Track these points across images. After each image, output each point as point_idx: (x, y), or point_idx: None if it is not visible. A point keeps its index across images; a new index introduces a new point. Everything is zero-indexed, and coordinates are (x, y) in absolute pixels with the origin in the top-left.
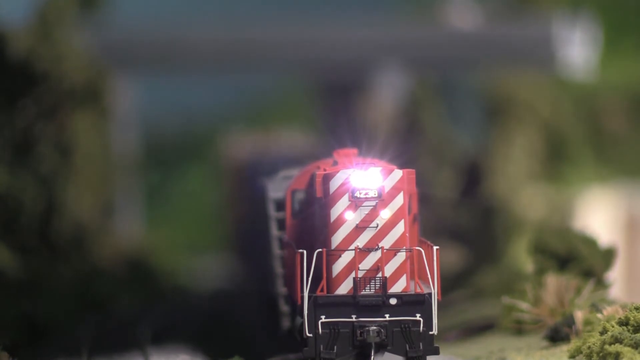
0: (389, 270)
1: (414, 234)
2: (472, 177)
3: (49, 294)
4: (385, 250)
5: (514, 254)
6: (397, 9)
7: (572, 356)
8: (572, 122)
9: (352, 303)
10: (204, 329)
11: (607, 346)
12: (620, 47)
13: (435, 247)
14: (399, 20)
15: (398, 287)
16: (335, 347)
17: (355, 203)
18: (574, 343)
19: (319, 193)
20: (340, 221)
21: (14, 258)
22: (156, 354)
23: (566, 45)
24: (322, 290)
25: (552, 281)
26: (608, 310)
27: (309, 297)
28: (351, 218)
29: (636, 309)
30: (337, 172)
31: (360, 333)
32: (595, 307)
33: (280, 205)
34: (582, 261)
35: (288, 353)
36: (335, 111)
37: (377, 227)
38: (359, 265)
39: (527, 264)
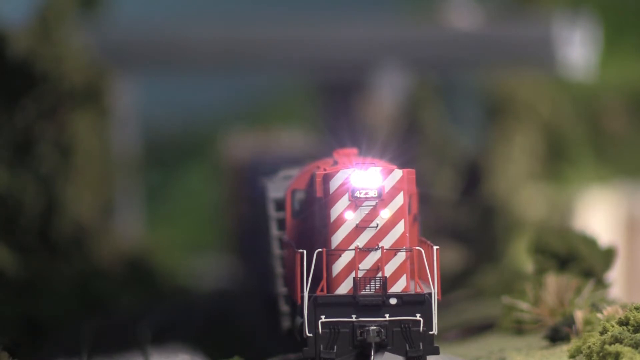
0: (389, 270)
1: (414, 234)
2: (472, 177)
3: (49, 293)
4: (385, 250)
5: (514, 254)
6: (397, 9)
7: (572, 356)
8: (572, 122)
9: (352, 303)
10: (204, 329)
11: (607, 346)
12: (620, 47)
13: (435, 247)
14: (399, 20)
15: (398, 287)
16: (335, 347)
17: (355, 203)
18: (574, 343)
19: (319, 193)
20: (340, 221)
21: (14, 258)
22: (156, 354)
23: (566, 46)
24: (322, 290)
25: (552, 281)
26: (608, 310)
27: (309, 297)
28: (351, 218)
29: (636, 309)
30: (337, 172)
31: (360, 333)
32: (595, 307)
33: (280, 205)
34: (582, 261)
35: (288, 353)
36: (335, 111)
37: (377, 227)
38: (359, 265)
39: (527, 264)
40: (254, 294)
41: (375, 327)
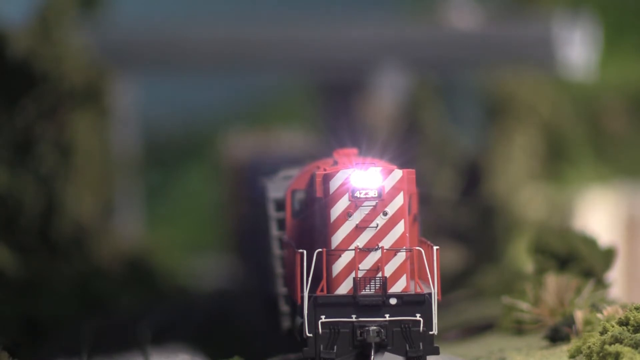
0: (389, 270)
1: (414, 234)
2: (472, 177)
3: (49, 293)
4: (385, 250)
5: (514, 254)
6: (397, 9)
7: (572, 356)
8: (572, 122)
9: (352, 303)
10: (204, 329)
11: (607, 346)
12: (620, 47)
13: (435, 247)
14: (399, 20)
15: (398, 287)
16: (335, 347)
17: (355, 203)
18: (574, 343)
19: (319, 193)
20: (340, 221)
21: (14, 258)
22: (156, 354)
23: (566, 46)
24: (322, 290)
25: (552, 281)
26: (608, 310)
27: (309, 297)
28: (351, 218)
29: (636, 309)
30: (337, 172)
31: (360, 333)
32: (595, 307)
33: (280, 205)
34: (582, 261)
35: (288, 353)
36: (335, 111)
37: (377, 227)
38: (359, 265)
39: (527, 264)
40: (254, 294)
41: (375, 327)
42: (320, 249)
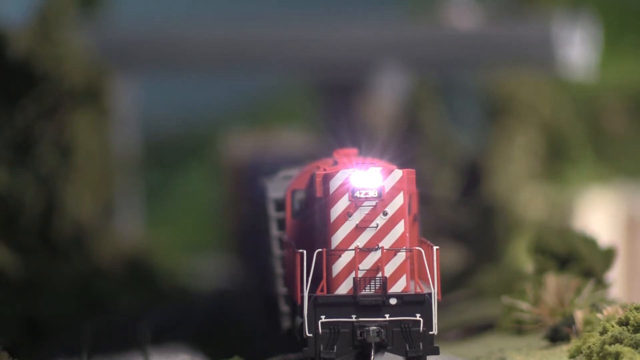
0: (389, 270)
1: (414, 234)
2: (472, 177)
3: (49, 293)
4: (385, 250)
5: (514, 254)
6: (397, 9)
7: (572, 356)
8: (572, 122)
9: (352, 303)
10: (204, 329)
11: (607, 346)
12: (620, 47)
13: (435, 247)
14: (399, 20)
15: (398, 287)
16: (335, 347)
17: (355, 203)
18: (574, 343)
19: (319, 193)
20: (340, 221)
21: (14, 258)
22: (156, 354)
23: (566, 46)
24: (322, 290)
25: (552, 281)
26: (608, 310)
27: (309, 297)
28: (351, 218)
29: (636, 309)
30: (337, 172)
31: (360, 333)
32: (595, 307)
33: (280, 205)
34: (582, 261)
35: (288, 353)
36: (335, 111)
37: (377, 227)
38: (359, 265)
39: (527, 264)
40: (254, 294)
41: (375, 327)
42: (320, 249)
